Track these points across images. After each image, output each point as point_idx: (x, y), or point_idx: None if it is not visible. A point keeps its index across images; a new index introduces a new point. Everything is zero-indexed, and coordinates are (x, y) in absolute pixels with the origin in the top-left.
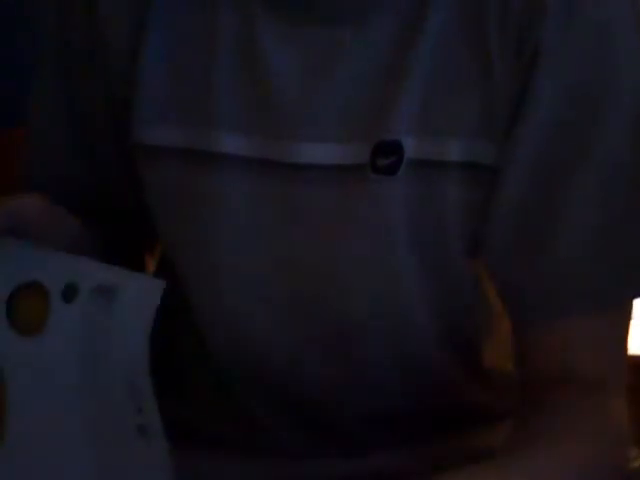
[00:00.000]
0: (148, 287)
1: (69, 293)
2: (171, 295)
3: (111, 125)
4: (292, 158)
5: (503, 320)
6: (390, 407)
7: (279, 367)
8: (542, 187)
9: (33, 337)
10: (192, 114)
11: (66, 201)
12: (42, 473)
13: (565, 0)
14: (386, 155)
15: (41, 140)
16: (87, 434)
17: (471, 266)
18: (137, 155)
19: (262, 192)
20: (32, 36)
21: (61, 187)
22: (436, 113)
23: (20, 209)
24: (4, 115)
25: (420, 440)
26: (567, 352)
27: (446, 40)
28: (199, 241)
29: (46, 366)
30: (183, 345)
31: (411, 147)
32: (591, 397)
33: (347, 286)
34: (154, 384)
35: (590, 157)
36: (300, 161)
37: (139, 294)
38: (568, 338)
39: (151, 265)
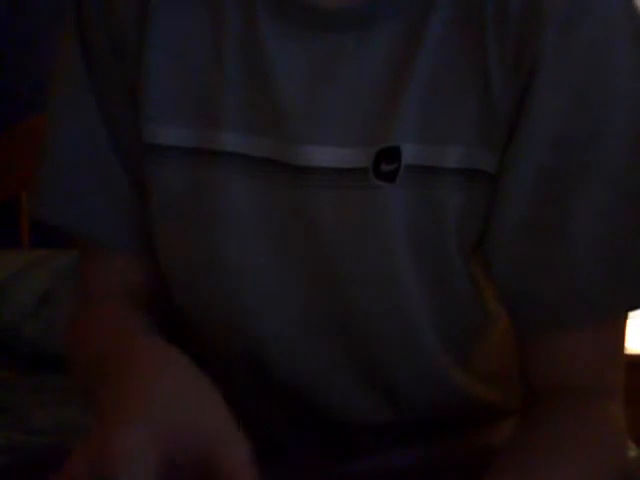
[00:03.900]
0: None
1: None
2: (172, 297)
3: (133, 122)
4: (294, 160)
5: (500, 322)
6: (395, 411)
7: (286, 366)
8: (543, 200)
9: None
10: (197, 113)
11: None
12: None
13: (564, 12)
14: (388, 161)
15: (62, 138)
16: None
17: (470, 271)
18: (145, 153)
19: (265, 192)
20: (30, 37)
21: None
22: (435, 120)
23: None
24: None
25: (420, 440)
26: (567, 360)
27: (446, 48)
28: (204, 240)
29: None
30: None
31: (410, 153)
32: (590, 401)
33: (347, 286)
34: None
35: (590, 170)
36: (301, 163)
37: None
38: (568, 347)
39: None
